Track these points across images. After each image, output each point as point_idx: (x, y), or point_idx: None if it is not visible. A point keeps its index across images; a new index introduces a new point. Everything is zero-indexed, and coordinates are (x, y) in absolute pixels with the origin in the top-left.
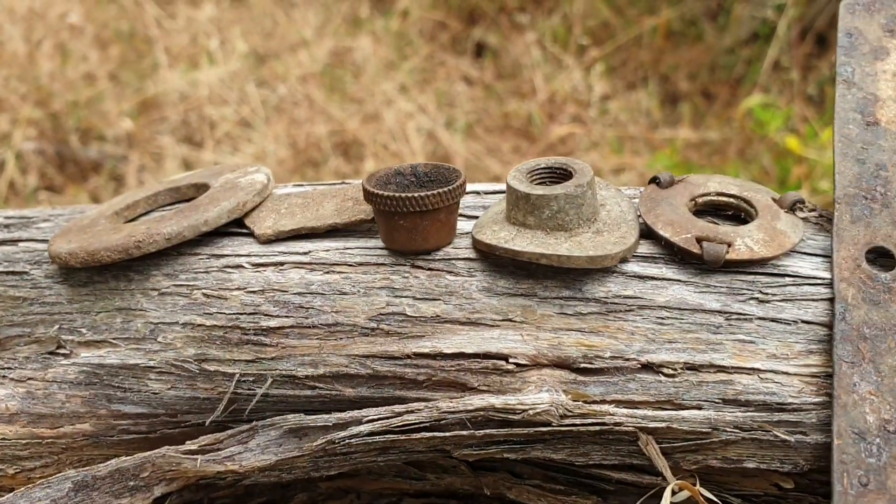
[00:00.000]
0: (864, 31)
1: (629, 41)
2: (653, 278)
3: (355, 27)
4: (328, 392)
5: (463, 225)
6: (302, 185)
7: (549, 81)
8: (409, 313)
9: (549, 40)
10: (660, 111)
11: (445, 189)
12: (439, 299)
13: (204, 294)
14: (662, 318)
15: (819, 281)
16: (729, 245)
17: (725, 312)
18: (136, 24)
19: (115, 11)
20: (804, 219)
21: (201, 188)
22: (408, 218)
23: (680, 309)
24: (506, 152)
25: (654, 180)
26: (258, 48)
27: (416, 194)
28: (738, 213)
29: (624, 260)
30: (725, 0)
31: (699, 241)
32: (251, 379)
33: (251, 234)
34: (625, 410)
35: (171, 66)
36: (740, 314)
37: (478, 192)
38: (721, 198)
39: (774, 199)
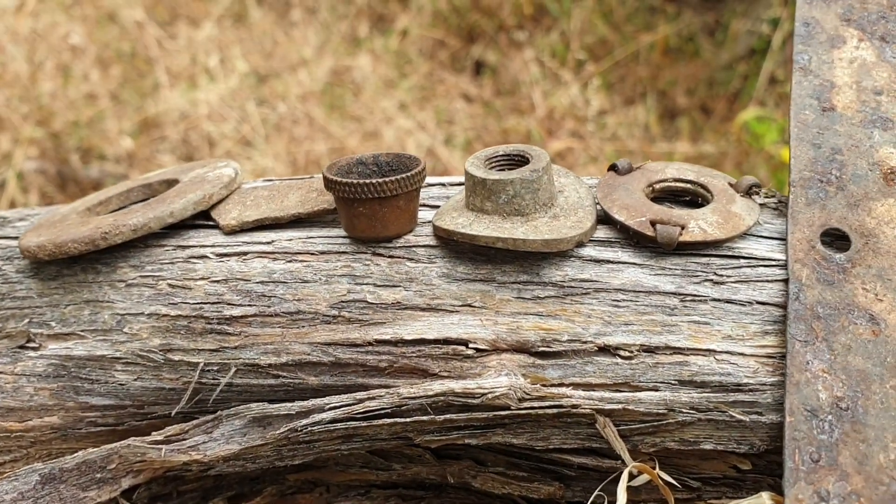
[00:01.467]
0: (822, 21)
1: (627, 57)
2: (609, 262)
3: (355, 46)
4: (291, 380)
5: (427, 215)
6: (271, 180)
7: (548, 97)
8: (370, 300)
9: (547, 56)
10: (658, 126)
11: (403, 175)
12: (400, 286)
13: (169, 284)
14: (618, 301)
15: (774, 262)
16: (682, 227)
17: (680, 294)
18: (137, 45)
19: (117, 32)
20: (763, 204)
21: (172, 184)
22: (367, 205)
23: (635, 291)
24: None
25: (613, 167)
26: (258, 67)
27: (374, 181)
28: (695, 198)
29: (580, 244)
30: (722, 16)
31: (653, 223)
32: (215, 368)
33: (217, 226)
34: (582, 393)
35: (172, 85)
36: (695, 296)
37: (443, 184)
38: (678, 183)
39: (731, 184)
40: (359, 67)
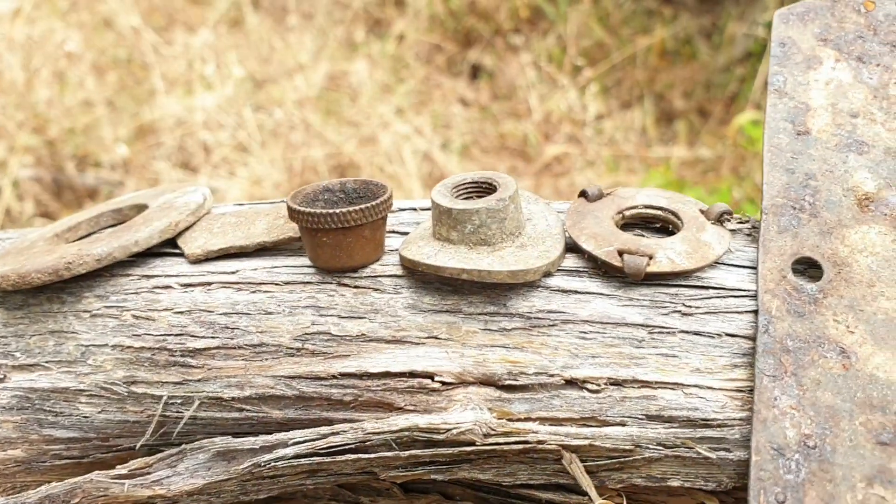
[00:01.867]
0: (798, 41)
1: (624, 60)
2: (576, 292)
3: (351, 51)
4: (255, 414)
5: (396, 241)
6: (242, 204)
7: (545, 101)
8: (334, 332)
9: (544, 61)
10: (655, 129)
11: (367, 205)
12: (364, 317)
13: (133, 315)
14: (585, 333)
15: (744, 293)
16: (650, 257)
17: (648, 326)
18: (133, 51)
19: (114, 39)
20: (736, 230)
21: (142, 209)
22: (331, 235)
23: (603, 323)
24: (502, 173)
25: (583, 193)
26: (255, 73)
27: (337, 210)
28: (666, 225)
29: (548, 274)
30: (720, 19)
31: (621, 253)
32: (179, 401)
33: (183, 254)
34: (549, 428)
35: (168, 91)
36: (663, 327)
37: (414, 209)
38: (648, 210)
39: (702, 211)
40: (355, 72)
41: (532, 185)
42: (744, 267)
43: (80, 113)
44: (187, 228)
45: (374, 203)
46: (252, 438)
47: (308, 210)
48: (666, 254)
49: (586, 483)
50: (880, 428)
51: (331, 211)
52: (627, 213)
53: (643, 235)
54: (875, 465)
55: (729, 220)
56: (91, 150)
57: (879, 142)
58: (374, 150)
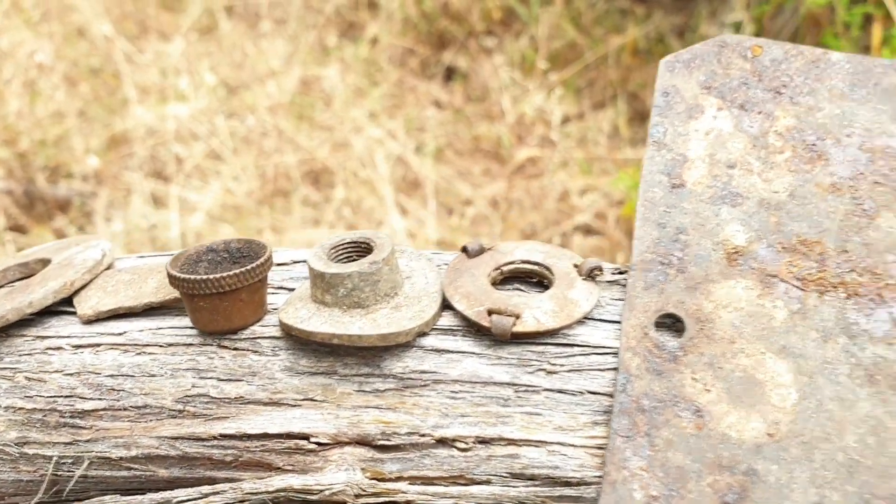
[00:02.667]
0: (682, 89)
1: (597, 60)
2: (449, 351)
3: (324, 56)
4: (143, 472)
5: (284, 298)
6: (144, 257)
7: (517, 103)
8: (213, 395)
9: (516, 63)
10: (628, 129)
11: (242, 270)
12: (242, 380)
13: (26, 377)
14: (455, 392)
15: (607, 350)
16: (517, 317)
17: (515, 384)
18: (105, 60)
19: (85, 48)
20: (611, 283)
21: (46, 263)
22: (207, 299)
23: (472, 382)
24: (476, 175)
25: (464, 249)
26: (228, 79)
27: (210, 276)
28: (542, 280)
29: (422, 334)
30: (692, 18)
31: (491, 313)
32: (70, 461)
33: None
34: (417, 488)
35: (141, 101)
36: (528, 386)
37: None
38: (524, 265)
39: (575, 266)
40: (328, 77)
41: (505, 188)
42: (614, 322)
43: (51, 124)
44: (84, 286)
45: (249, 267)
46: (140, 497)
47: (182, 276)
48: (533, 313)
49: None
50: (727, 488)
51: (204, 277)
52: (505, 268)
53: (520, 290)
54: None
55: (600, 274)
56: (62, 162)
57: (754, 193)
58: (347, 154)
